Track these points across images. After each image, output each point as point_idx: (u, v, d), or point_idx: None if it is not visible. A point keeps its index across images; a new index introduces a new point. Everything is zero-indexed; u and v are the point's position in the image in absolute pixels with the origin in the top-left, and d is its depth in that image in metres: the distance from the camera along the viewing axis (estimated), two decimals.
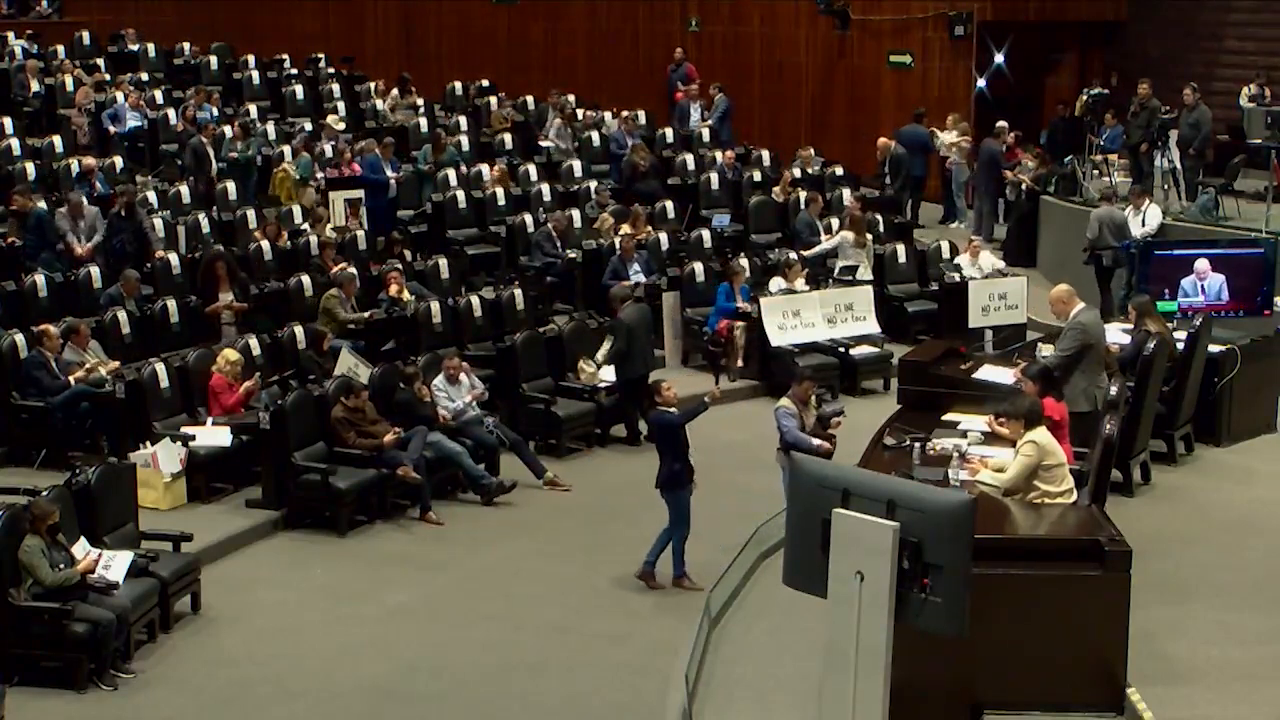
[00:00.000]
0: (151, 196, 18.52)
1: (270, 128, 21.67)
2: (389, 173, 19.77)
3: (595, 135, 22.76)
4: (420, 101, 24.59)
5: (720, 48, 26.31)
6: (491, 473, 13.51)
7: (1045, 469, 9.31)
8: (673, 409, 11.52)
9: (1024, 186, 20.86)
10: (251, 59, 25.67)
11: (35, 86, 23.36)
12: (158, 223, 17.35)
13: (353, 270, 16.13)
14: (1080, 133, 22.20)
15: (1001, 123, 21.97)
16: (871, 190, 21.54)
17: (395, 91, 24.65)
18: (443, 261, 17.46)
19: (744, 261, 17.55)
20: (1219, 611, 9.98)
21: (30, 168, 19.42)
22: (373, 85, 25.07)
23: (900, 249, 18.61)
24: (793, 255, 17.74)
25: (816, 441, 11.48)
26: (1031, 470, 9.29)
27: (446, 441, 13.28)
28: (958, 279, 17.45)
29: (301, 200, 19.05)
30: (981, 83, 24.25)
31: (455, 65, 27.58)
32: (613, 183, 21.38)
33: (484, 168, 20.90)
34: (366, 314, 15.64)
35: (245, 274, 16.20)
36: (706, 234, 18.87)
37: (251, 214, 18.27)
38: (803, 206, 19.50)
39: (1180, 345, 13.20)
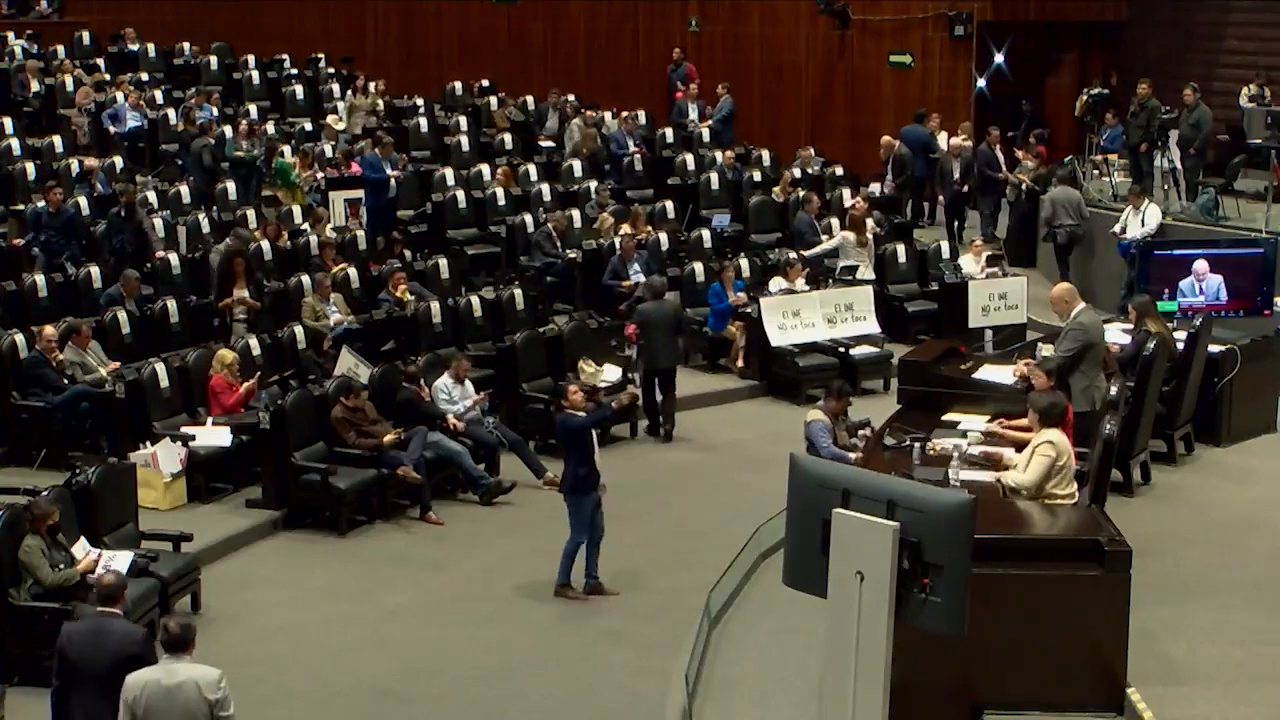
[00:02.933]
0: (151, 196, 18.52)
1: (270, 127, 21.66)
2: (389, 171, 19.72)
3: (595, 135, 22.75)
4: (363, 101, 24.36)
5: (720, 48, 26.30)
6: (491, 473, 13.52)
7: (1056, 469, 9.33)
8: (580, 412, 11.48)
9: (1024, 186, 20.86)
10: (251, 59, 25.68)
11: (35, 86, 23.36)
12: (158, 223, 17.36)
13: (323, 276, 16.02)
14: (1055, 130, 22.38)
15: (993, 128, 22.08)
16: (871, 191, 21.53)
17: (350, 93, 24.52)
18: (443, 261, 17.46)
19: (742, 262, 17.59)
20: (1219, 611, 9.98)
21: (30, 168, 19.42)
22: (372, 85, 25.06)
23: (900, 249, 18.61)
24: (793, 255, 17.76)
25: (853, 456, 11.56)
26: (1050, 469, 9.28)
27: (447, 441, 13.29)
28: (959, 279, 17.47)
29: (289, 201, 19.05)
30: (981, 83, 24.26)
31: (455, 65, 27.58)
32: (613, 183, 21.39)
33: (484, 168, 20.91)
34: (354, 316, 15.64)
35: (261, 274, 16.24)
36: (706, 234, 18.88)
37: (251, 214, 18.27)
38: (802, 206, 19.50)
39: (1180, 345, 13.19)
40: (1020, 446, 9.95)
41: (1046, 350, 12.14)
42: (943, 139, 22.33)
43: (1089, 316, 11.61)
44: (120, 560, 10.29)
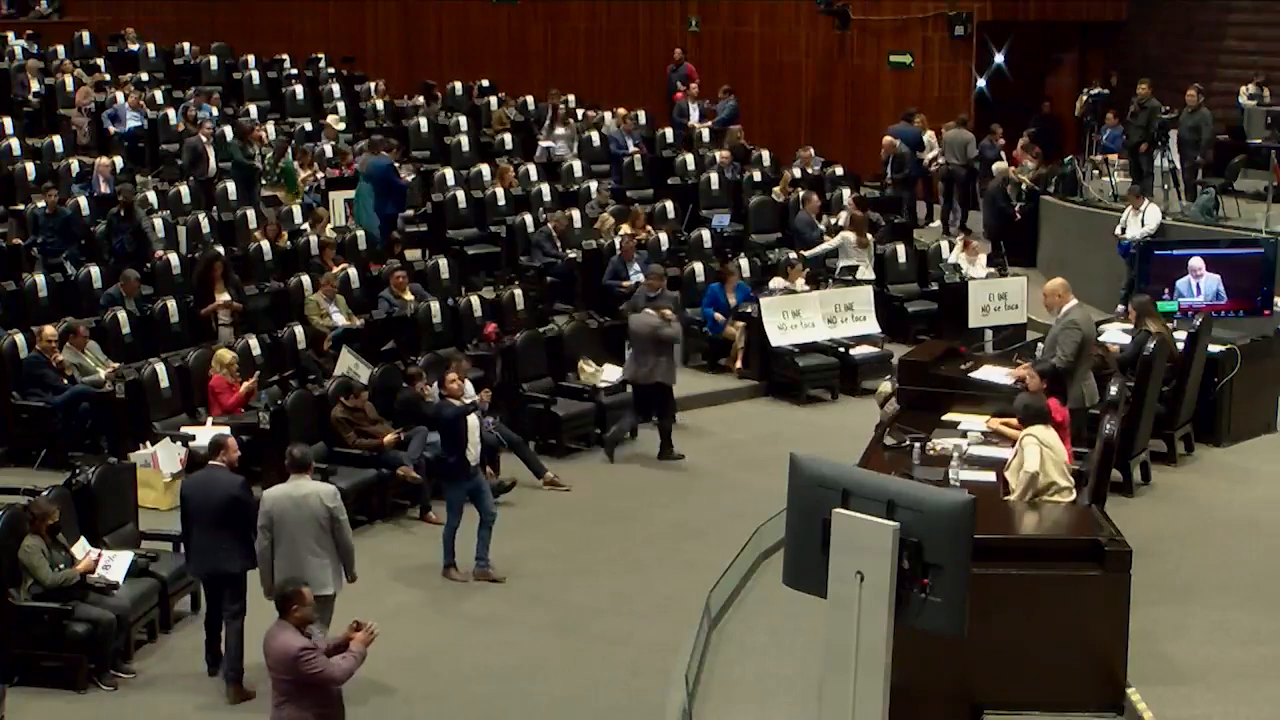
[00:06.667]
0: (151, 196, 18.52)
1: (271, 128, 21.65)
2: (405, 177, 19.58)
3: (595, 135, 22.76)
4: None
5: (720, 48, 26.30)
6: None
7: (1048, 458, 9.35)
8: (456, 401, 11.78)
9: (1024, 186, 20.85)
10: (251, 59, 25.67)
11: (35, 86, 23.35)
12: (158, 223, 17.35)
13: (327, 274, 15.98)
14: (1063, 131, 22.19)
15: (957, 129, 22.07)
16: (871, 190, 21.53)
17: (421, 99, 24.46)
18: (443, 261, 17.45)
19: (742, 262, 17.58)
20: (1219, 611, 9.98)
21: (30, 168, 19.41)
22: (373, 85, 25.07)
23: (900, 249, 18.62)
24: (793, 255, 17.77)
25: None
26: (1040, 454, 9.29)
27: None
28: (958, 279, 17.48)
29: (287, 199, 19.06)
30: (981, 83, 24.26)
31: (455, 65, 27.58)
32: (613, 183, 21.38)
33: (484, 168, 20.90)
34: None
35: (239, 275, 16.11)
36: (706, 234, 18.87)
37: (251, 214, 18.25)
38: (802, 206, 19.50)
39: (1180, 345, 13.19)
40: None
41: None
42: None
43: (1080, 313, 11.59)
44: (120, 560, 10.30)
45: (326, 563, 9.50)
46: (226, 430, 12.99)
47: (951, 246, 18.79)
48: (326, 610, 9.48)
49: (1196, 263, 14.71)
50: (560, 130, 22.51)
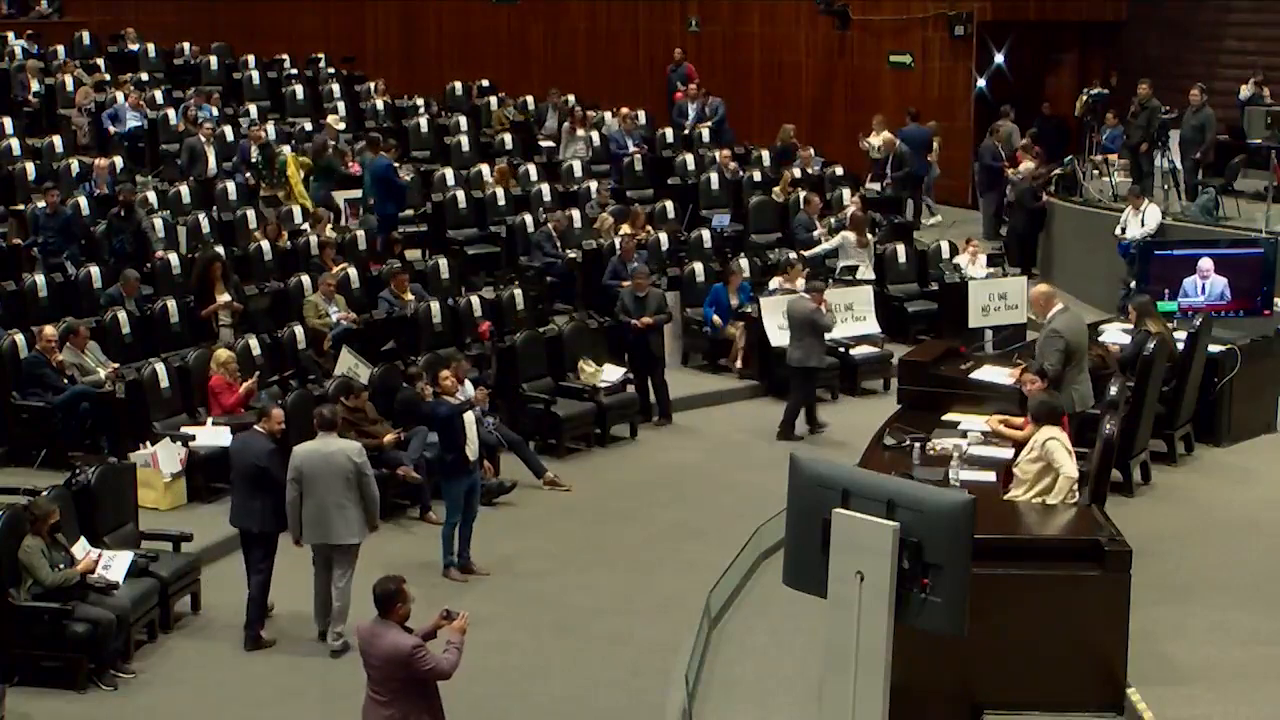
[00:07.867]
0: (151, 196, 18.51)
1: (270, 127, 21.64)
2: (406, 177, 19.55)
3: (595, 135, 22.74)
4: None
5: (720, 48, 26.31)
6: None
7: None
8: (450, 398, 11.96)
9: (1029, 185, 20.82)
10: (251, 59, 25.64)
11: (35, 86, 23.31)
12: (158, 223, 17.34)
13: (327, 275, 15.97)
14: (1067, 132, 22.13)
15: (1001, 121, 22.04)
16: (872, 189, 21.53)
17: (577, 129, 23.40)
18: (443, 261, 17.45)
19: (743, 262, 17.58)
20: (1219, 611, 9.99)
21: (30, 168, 19.40)
22: (372, 85, 25.07)
23: (900, 249, 18.62)
24: (793, 255, 17.76)
25: None
26: (1070, 455, 9.31)
27: None
28: (958, 279, 17.48)
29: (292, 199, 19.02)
30: (981, 83, 24.27)
31: (455, 65, 27.57)
32: (613, 183, 21.37)
33: (484, 168, 20.90)
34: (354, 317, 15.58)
35: (239, 275, 16.12)
36: (706, 234, 18.87)
37: (251, 214, 18.24)
38: (802, 206, 19.49)
39: (1180, 345, 13.19)
40: (1020, 447, 9.96)
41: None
42: (876, 140, 22.19)
43: (1064, 320, 11.54)
44: (120, 560, 10.31)
45: (351, 514, 10.37)
46: (226, 430, 13.07)
47: (954, 247, 18.79)
48: (349, 559, 10.47)
49: (1205, 264, 14.71)
50: (580, 132, 22.44)
